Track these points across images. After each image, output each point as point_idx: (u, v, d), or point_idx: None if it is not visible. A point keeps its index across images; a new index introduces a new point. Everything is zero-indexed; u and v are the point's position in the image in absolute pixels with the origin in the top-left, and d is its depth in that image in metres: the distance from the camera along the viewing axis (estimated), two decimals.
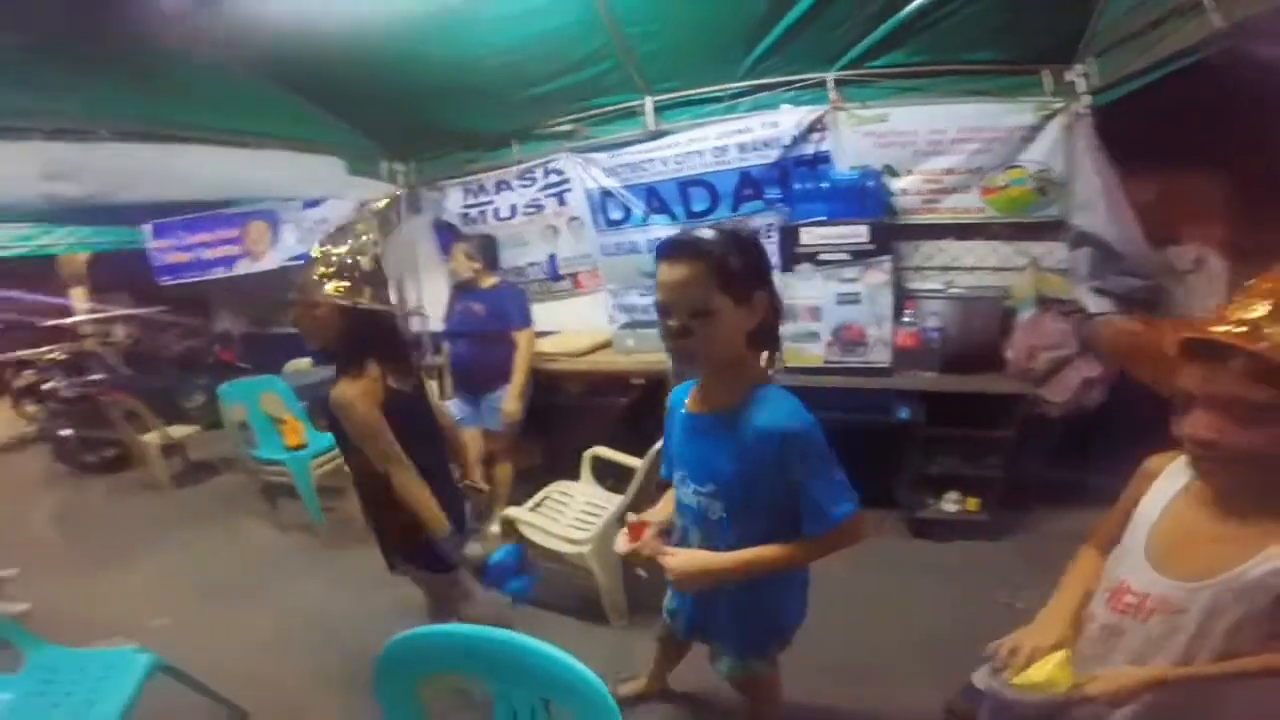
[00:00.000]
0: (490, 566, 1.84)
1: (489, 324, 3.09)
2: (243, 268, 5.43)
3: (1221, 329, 0.87)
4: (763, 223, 3.39)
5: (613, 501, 2.62)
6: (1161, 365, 1.05)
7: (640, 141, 3.58)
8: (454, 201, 4.31)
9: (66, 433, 4.92)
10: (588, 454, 2.91)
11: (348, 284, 1.71)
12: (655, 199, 3.66)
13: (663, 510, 1.38)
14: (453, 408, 3.19)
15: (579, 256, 4.05)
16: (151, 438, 4.48)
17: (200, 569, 3.29)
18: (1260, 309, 0.85)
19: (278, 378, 4.11)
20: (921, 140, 3.13)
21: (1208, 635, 0.93)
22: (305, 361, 5.20)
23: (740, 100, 3.34)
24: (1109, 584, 1.08)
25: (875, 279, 2.91)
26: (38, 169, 2.58)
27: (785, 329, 3.01)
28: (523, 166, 3.98)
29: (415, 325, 4.60)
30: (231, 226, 5.45)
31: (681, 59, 3.15)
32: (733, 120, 3.36)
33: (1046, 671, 1.02)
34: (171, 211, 5.46)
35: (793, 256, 3.01)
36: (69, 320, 6.85)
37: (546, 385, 3.43)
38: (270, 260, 5.33)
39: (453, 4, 2.62)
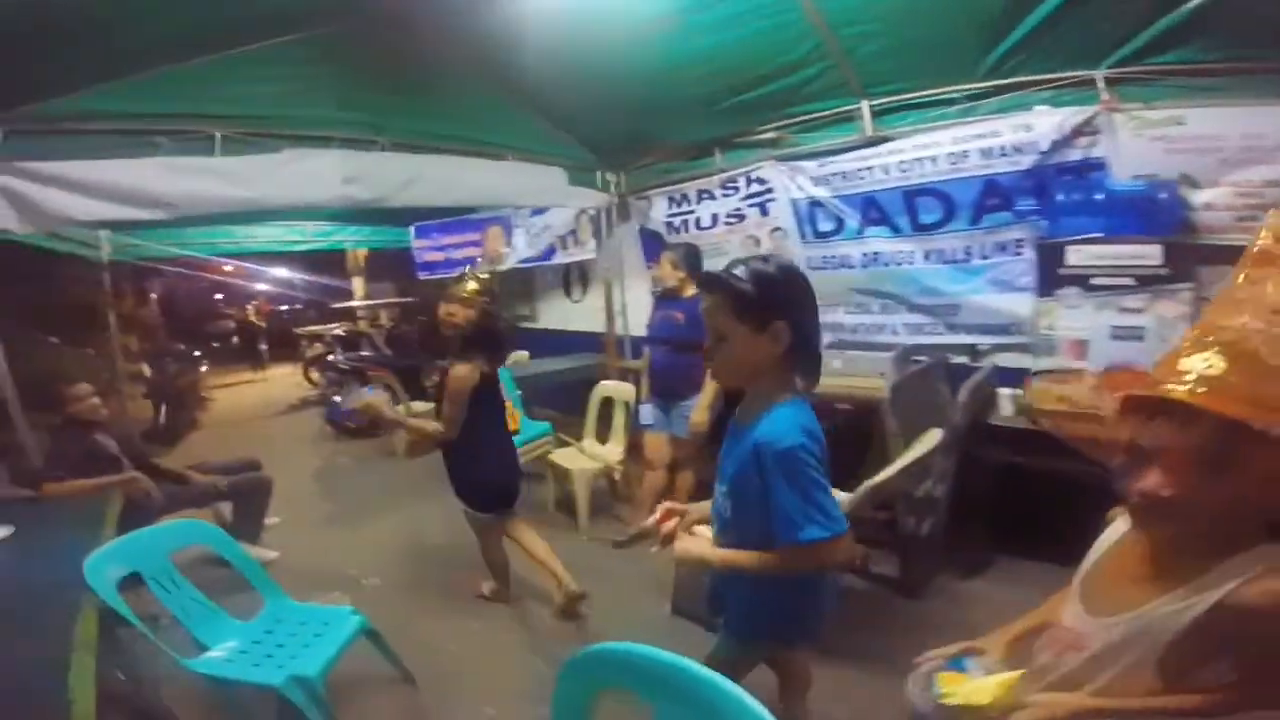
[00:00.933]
0: None
1: (687, 332, 3.06)
2: (482, 268, 6.17)
3: (1165, 385, 0.87)
4: (1009, 237, 2.91)
5: None
6: None
7: (855, 148, 3.31)
8: (659, 210, 4.40)
9: (337, 399, 5.98)
10: None
11: (483, 297, 2.50)
12: (873, 209, 3.34)
13: (704, 505, 1.54)
14: (645, 412, 3.24)
15: None
16: (399, 410, 5.26)
17: (412, 536, 3.70)
18: (1201, 360, 0.87)
19: (505, 368, 4.54)
20: (1231, 147, 2.41)
21: (1113, 668, 0.95)
22: (524, 354, 5.73)
23: (980, 102, 2.92)
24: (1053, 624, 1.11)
25: (1169, 310, 2.32)
26: (338, 174, 3.15)
27: (1040, 362, 2.75)
28: (725, 175, 3.92)
29: (617, 329, 4.80)
30: (475, 230, 6.24)
31: (904, 60, 2.88)
32: (972, 124, 2.92)
33: (989, 691, 1.01)
34: (430, 215, 6.42)
35: (1054, 279, 2.55)
36: (350, 304, 8.44)
37: (738, 400, 3.31)
38: (503, 262, 6.00)
39: (662, 14, 2.67)
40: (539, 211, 5.49)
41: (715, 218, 4.04)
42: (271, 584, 2.15)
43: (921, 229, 3.20)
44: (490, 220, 6.07)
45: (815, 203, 3.52)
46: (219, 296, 16.25)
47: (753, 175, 3.76)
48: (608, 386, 3.89)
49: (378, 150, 3.38)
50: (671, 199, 4.27)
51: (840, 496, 2.23)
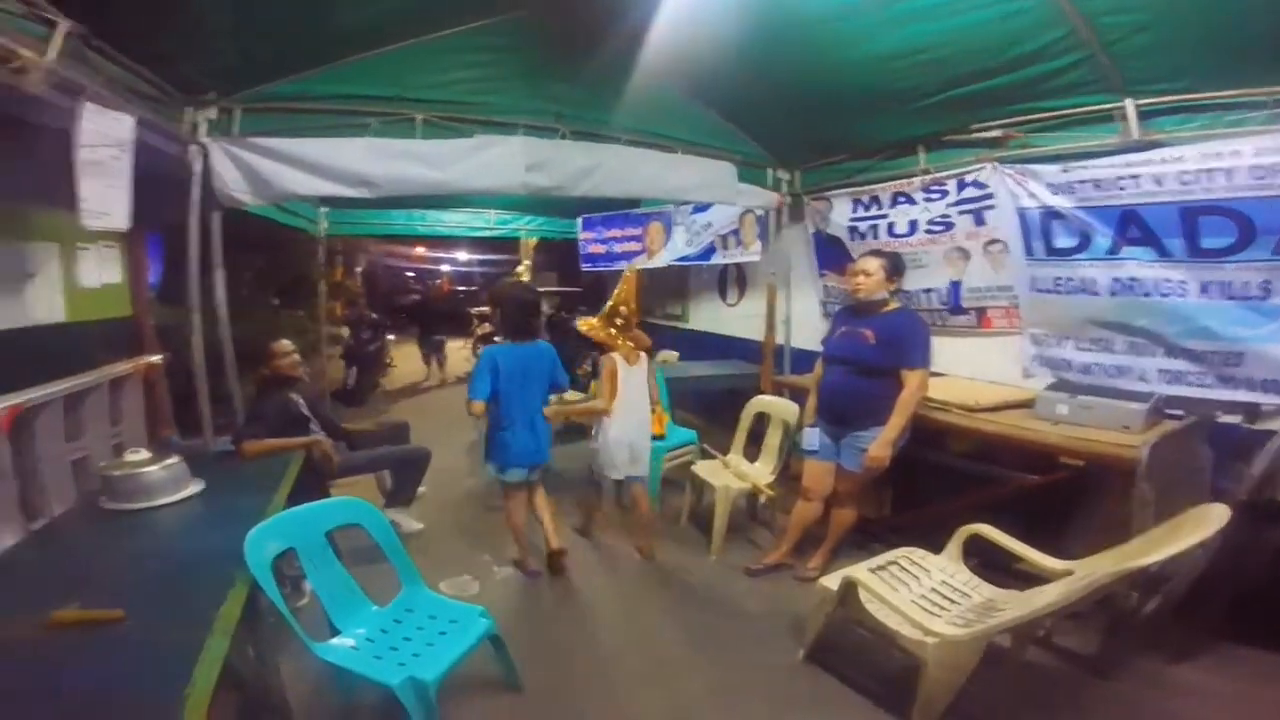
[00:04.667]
0: None
1: (876, 354, 2.65)
2: (640, 263, 6.12)
3: None
4: None
5: (976, 588, 2.24)
6: None
7: (1112, 153, 2.66)
8: (840, 213, 3.96)
9: None
10: (966, 529, 2.37)
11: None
12: (1134, 226, 2.66)
13: None
14: (811, 436, 2.89)
15: (993, 288, 3.26)
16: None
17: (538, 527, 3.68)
18: None
19: (657, 367, 4.41)
20: None
21: None
22: (673, 354, 5.59)
23: None
24: None
25: None
26: (521, 161, 3.18)
27: None
28: (930, 178, 3.39)
29: (777, 339, 4.45)
30: (637, 225, 6.23)
31: (1190, 55, 2.34)
32: None
33: None
34: (596, 208, 6.51)
35: None
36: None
37: (924, 436, 2.84)
38: (661, 258, 5.91)
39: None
40: (701, 209, 5.31)
41: (914, 225, 3.52)
42: (413, 571, 2.13)
43: (1202, 254, 2.48)
44: (652, 215, 6.01)
45: (1052, 214, 2.89)
46: (409, 274, 18.30)
47: (967, 178, 3.20)
48: (765, 401, 3.57)
49: (558, 138, 3.39)
50: (858, 201, 3.82)
51: (1074, 569, 1.92)
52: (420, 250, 17.38)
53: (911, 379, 2.59)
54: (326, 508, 2.03)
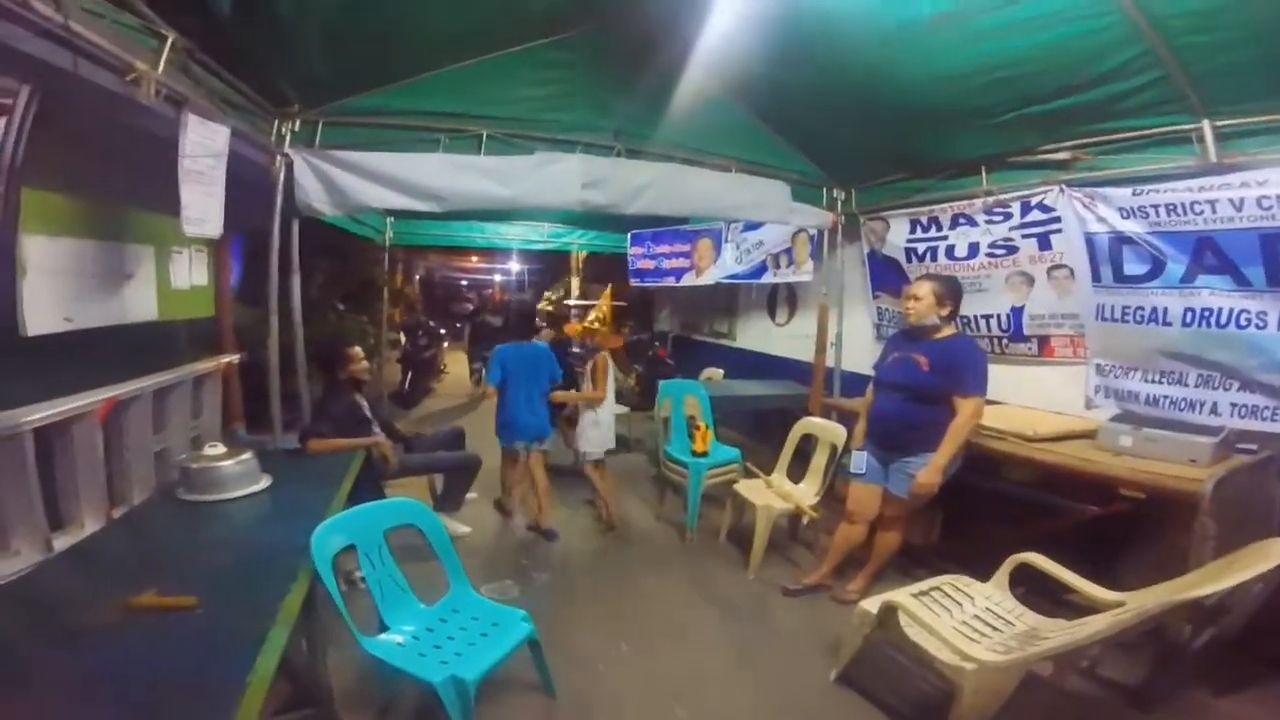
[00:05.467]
0: None
1: (930, 381, 2.59)
2: (688, 280, 6.16)
3: None
4: None
5: (1021, 616, 2.19)
6: None
7: (1188, 176, 2.55)
8: (898, 234, 3.90)
9: None
10: (1015, 557, 2.31)
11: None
12: (1211, 254, 2.53)
13: None
14: (859, 459, 2.84)
15: (1058, 315, 3.15)
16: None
17: (582, 536, 3.71)
18: None
19: (702, 384, 4.43)
20: None
21: None
22: (718, 372, 5.58)
23: None
24: None
25: None
26: (579, 178, 3.27)
27: None
28: (993, 199, 3.31)
29: (828, 361, 4.39)
30: (686, 241, 6.26)
31: (1269, 75, 2.23)
32: None
33: None
34: (645, 223, 6.59)
35: None
36: (568, 302, 9.09)
37: (979, 463, 2.76)
38: (709, 276, 5.93)
39: (932, 17, 2.38)
40: (752, 226, 5.30)
41: (974, 247, 3.44)
42: (461, 573, 2.19)
43: None
44: (701, 232, 6.03)
45: (1122, 239, 2.78)
46: (464, 282, 18.87)
47: (1032, 200, 3.12)
48: (813, 423, 3.53)
49: (614, 156, 3.47)
50: (916, 222, 3.75)
51: (1126, 600, 1.84)
52: (474, 260, 17.91)
53: (966, 406, 2.52)
54: (387, 508, 2.12)
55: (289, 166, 2.91)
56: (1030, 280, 3.22)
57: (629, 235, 7.03)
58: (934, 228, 3.65)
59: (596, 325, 3.90)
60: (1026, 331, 3.29)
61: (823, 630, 2.61)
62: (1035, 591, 2.31)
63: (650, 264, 6.85)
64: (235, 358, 3.23)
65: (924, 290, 2.68)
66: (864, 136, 3.62)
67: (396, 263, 8.08)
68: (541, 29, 2.94)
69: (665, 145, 3.59)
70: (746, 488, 3.48)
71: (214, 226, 2.24)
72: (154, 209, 2.42)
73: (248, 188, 2.68)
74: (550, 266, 10.91)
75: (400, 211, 3.57)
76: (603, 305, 4.01)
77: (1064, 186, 2.96)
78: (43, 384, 2.10)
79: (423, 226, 6.54)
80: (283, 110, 2.93)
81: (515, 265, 18.55)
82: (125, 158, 2.39)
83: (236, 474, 2.18)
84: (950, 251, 3.55)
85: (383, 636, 1.93)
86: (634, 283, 7.13)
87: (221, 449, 2.20)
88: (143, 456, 2.52)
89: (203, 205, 2.18)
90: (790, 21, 2.62)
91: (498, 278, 19.55)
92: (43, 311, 2.16)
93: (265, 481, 2.27)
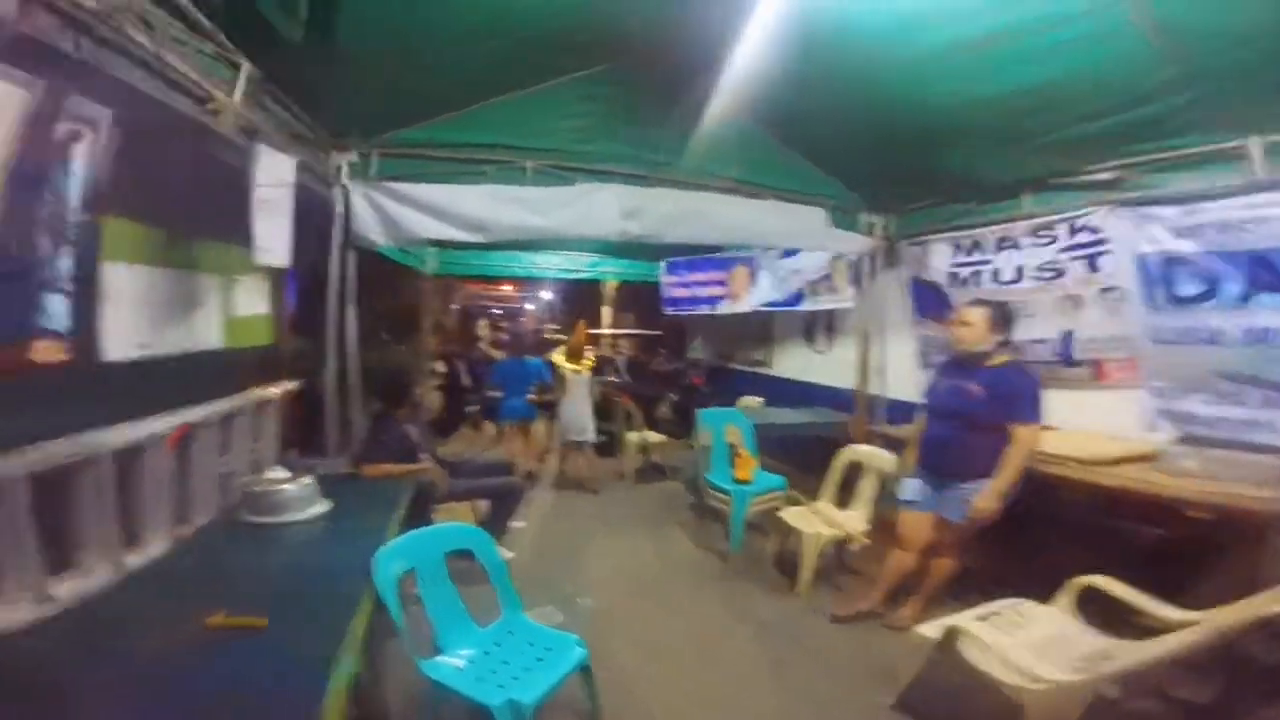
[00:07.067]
0: None
1: (984, 409, 2.55)
2: (724, 308, 6.17)
3: None
4: None
5: (1087, 638, 2.13)
6: None
7: (1238, 194, 2.51)
8: (940, 258, 3.88)
9: None
10: (1079, 580, 2.26)
11: None
12: (1266, 271, 2.47)
13: None
14: (911, 486, 2.79)
15: (1110, 339, 3.08)
16: (633, 437, 5.45)
17: (623, 561, 3.70)
18: None
19: (742, 412, 4.43)
20: None
21: None
22: (756, 400, 5.55)
23: None
24: None
25: None
26: (618, 208, 3.34)
27: None
28: (1038, 221, 3.29)
29: (871, 388, 4.34)
30: (722, 269, 6.29)
31: None
32: None
33: None
34: (680, 252, 6.66)
35: None
36: (599, 331, 9.17)
37: (1037, 488, 2.69)
38: (745, 303, 5.94)
39: (977, 39, 2.40)
40: (790, 253, 5.32)
41: (1020, 271, 3.40)
42: (514, 597, 2.21)
43: None
44: (738, 260, 6.06)
45: (1174, 259, 2.73)
46: (498, 311, 19.17)
47: (1079, 222, 3.08)
48: (860, 451, 3.48)
49: (651, 186, 3.54)
50: (958, 246, 3.73)
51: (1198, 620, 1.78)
52: (506, 289, 18.21)
53: (1022, 434, 2.47)
54: (446, 531, 2.16)
55: (345, 198, 3.04)
56: (1079, 303, 3.17)
57: (663, 263, 7.09)
58: (977, 251, 3.63)
59: (559, 354, 5.40)
60: (1078, 355, 3.22)
61: (875, 657, 2.56)
62: (1097, 616, 2.23)
63: (685, 291, 6.88)
64: (294, 384, 3.34)
65: (975, 316, 2.65)
66: (902, 161, 3.63)
67: (435, 292, 8.26)
68: (577, 62, 3.05)
69: (701, 175, 3.65)
70: (792, 515, 3.43)
71: (282, 255, 2.35)
72: (219, 238, 2.53)
73: (300, 218, 2.81)
74: (579, 296, 11.00)
75: (444, 241, 3.68)
76: (579, 334, 5.35)
77: (1114, 206, 2.93)
78: (118, 408, 2.20)
79: (464, 256, 6.70)
80: (338, 142, 3.07)
81: (546, 294, 18.79)
82: (192, 187, 2.50)
83: (299, 497, 2.25)
84: (995, 276, 3.52)
85: (440, 659, 1.94)
86: (668, 310, 7.17)
87: (284, 473, 2.28)
88: (209, 479, 2.61)
89: (272, 235, 2.29)
90: (822, 48, 2.65)
91: (529, 306, 19.81)
92: (120, 337, 2.26)
93: (326, 505, 2.33)
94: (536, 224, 3.28)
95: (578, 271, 7.15)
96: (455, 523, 2.30)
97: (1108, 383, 3.13)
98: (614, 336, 9.04)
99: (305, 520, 2.23)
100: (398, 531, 2.14)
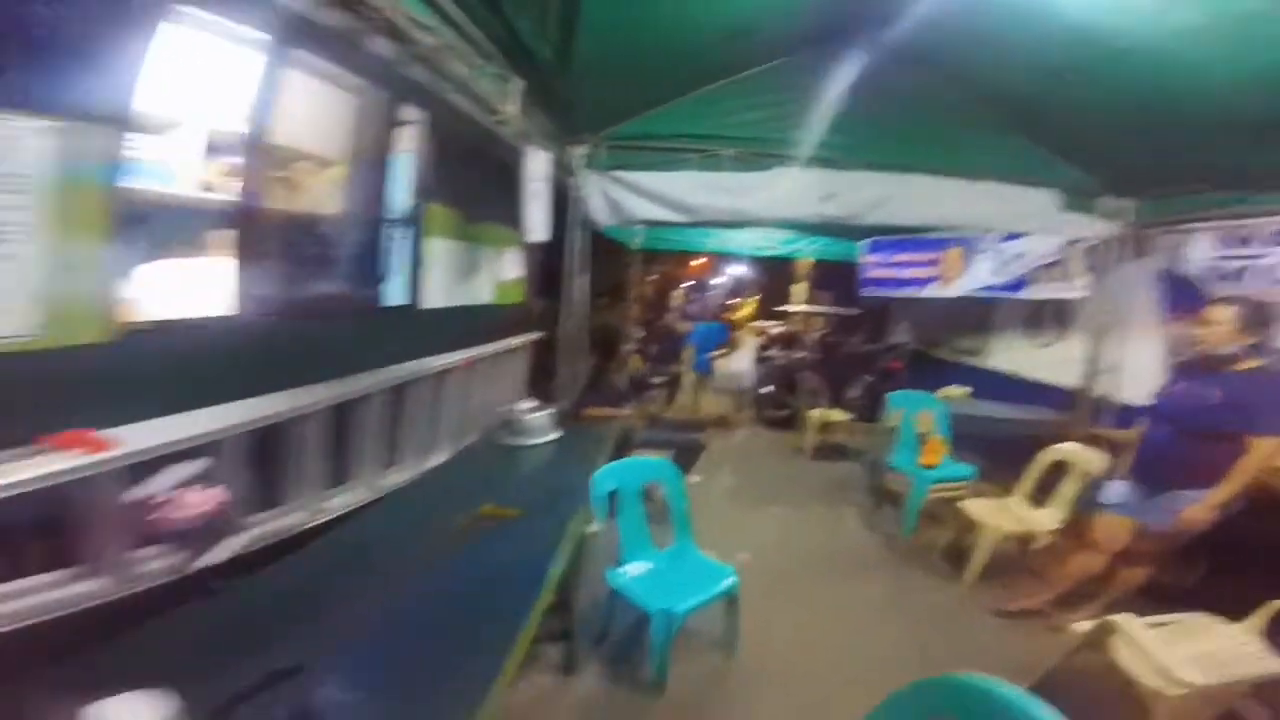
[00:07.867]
0: None
1: (1220, 416, 2.28)
2: (932, 291, 5.88)
3: None
4: None
5: (1262, 659, 1.96)
6: None
7: None
8: (1200, 250, 3.38)
9: (767, 389, 6.64)
10: (1276, 603, 2.04)
11: None
12: None
13: None
14: (1115, 489, 2.63)
15: None
16: (815, 414, 5.53)
17: (787, 530, 3.85)
18: None
19: (939, 400, 4.33)
20: None
21: None
22: (960, 390, 5.28)
23: None
24: None
25: None
26: (816, 192, 3.50)
27: None
28: None
29: (1099, 388, 3.95)
30: (932, 250, 5.96)
31: None
32: None
33: None
34: (886, 231, 6.42)
35: None
36: (791, 307, 9.19)
37: (1261, 506, 2.37)
38: (958, 287, 5.60)
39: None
40: (1012, 236, 4.91)
41: None
42: (688, 528, 2.57)
43: None
44: (951, 241, 5.70)
45: None
46: (691, 283, 19.84)
47: None
48: (1065, 449, 3.26)
49: (852, 170, 3.61)
50: (1224, 238, 3.22)
51: None
52: (699, 262, 18.73)
53: (1262, 446, 2.20)
54: (648, 463, 2.63)
55: (580, 185, 3.65)
56: None
57: (867, 243, 6.86)
58: (1247, 245, 3.12)
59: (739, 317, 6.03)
60: None
61: (1025, 654, 2.45)
62: None
63: (888, 273, 6.59)
64: (538, 336, 4.13)
65: (1222, 315, 2.38)
66: (1151, 143, 3.21)
67: (639, 264, 9.00)
68: (768, 53, 3.27)
69: (908, 159, 3.63)
70: (974, 506, 3.36)
71: (543, 233, 3.00)
72: (493, 219, 3.26)
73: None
74: (770, 272, 11.02)
75: (655, 220, 4.16)
76: (749, 307, 6.15)
77: None
78: (431, 343, 3.02)
79: (665, 233, 7.24)
80: (572, 138, 3.65)
81: (738, 268, 18.96)
82: (479, 178, 3.24)
83: (542, 424, 2.88)
84: (1269, 273, 2.99)
85: (621, 569, 2.37)
86: (867, 291, 6.95)
87: (534, 403, 2.93)
88: (480, 406, 3.42)
89: (537, 217, 2.93)
90: (1057, 20, 2.47)
91: (718, 280, 20.15)
92: (432, 293, 3.09)
93: (557, 434, 2.93)
94: (737, 206, 3.59)
95: (771, 249, 7.29)
96: (655, 457, 2.76)
97: None
98: (807, 314, 8.98)
99: (545, 444, 2.85)
100: (606, 461, 2.60)
